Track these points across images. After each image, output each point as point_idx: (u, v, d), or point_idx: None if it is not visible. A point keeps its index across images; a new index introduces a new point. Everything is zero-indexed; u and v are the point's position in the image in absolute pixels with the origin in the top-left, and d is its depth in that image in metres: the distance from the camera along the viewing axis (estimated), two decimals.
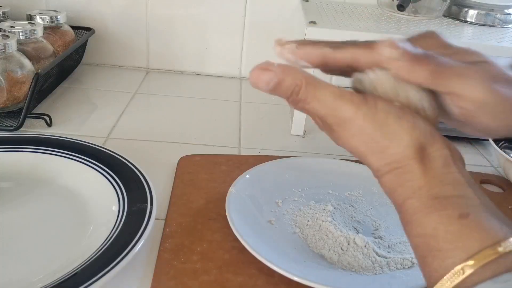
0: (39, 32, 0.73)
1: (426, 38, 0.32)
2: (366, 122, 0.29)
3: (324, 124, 0.31)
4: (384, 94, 0.31)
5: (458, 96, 0.29)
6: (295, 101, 0.31)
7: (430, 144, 0.29)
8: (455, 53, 0.31)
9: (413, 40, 0.31)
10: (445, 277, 0.26)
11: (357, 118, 0.29)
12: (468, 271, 0.25)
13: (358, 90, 0.32)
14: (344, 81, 0.34)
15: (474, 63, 0.30)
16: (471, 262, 0.25)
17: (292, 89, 0.30)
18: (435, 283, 0.27)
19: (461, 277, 0.25)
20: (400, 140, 0.29)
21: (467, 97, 0.29)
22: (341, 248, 0.46)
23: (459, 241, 0.26)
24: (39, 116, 0.66)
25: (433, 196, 0.28)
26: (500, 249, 0.25)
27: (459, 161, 0.29)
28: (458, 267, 0.26)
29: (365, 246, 0.46)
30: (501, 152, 0.60)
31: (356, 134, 0.30)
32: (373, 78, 0.31)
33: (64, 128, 0.67)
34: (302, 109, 0.31)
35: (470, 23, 0.78)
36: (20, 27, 0.71)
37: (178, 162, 0.59)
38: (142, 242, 0.42)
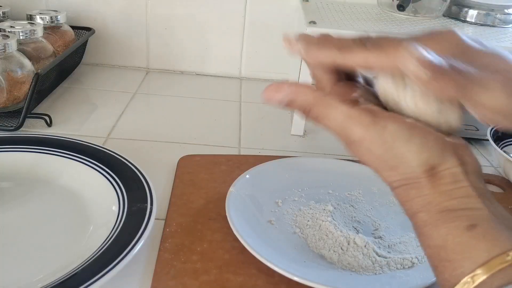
0: (39, 32, 0.73)
1: (444, 39, 0.30)
2: (374, 145, 0.29)
3: (340, 141, 0.32)
4: (396, 105, 0.30)
5: (480, 106, 0.29)
6: (308, 117, 0.32)
7: (439, 164, 0.29)
8: (474, 57, 0.29)
9: (429, 39, 0.30)
10: (456, 287, 0.27)
11: (365, 140, 0.30)
12: (478, 281, 0.26)
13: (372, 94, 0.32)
14: None
15: (494, 69, 0.29)
16: (479, 271, 0.26)
17: (304, 108, 0.31)
18: None
19: (471, 287, 0.26)
20: (408, 162, 0.29)
21: (489, 107, 0.28)
22: (341, 248, 0.46)
23: (467, 252, 0.27)
24: (39, 116, 0.66)
25: (441, 210, 0.28)
26: (509, 258, 0.26)
27: (474, 173, 0.29)
28: (468, 276, 0.26)
29: (365, 246, 0.46)
30: (501, 152, 0.60)
31: (366, 153, 0.30)
32: (386, 90, 0.31)
33: (64, 128, 0.67)
34: (319, 126, 0.32)
35: (470, 23, 0.78)
36: (20, 27, 0.71)
37: (178, 162, 0.59)
38: (142, 242, 0.42)
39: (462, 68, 0.28)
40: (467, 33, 0.31)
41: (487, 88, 0.28)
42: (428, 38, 0.30)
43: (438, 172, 0.29)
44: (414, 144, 0.29)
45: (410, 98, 0.30)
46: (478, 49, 0.30)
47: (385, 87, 0.31)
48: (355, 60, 0.30)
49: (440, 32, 0.30)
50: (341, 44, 0.31)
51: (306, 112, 0.31)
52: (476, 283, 0.26)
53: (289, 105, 0.31)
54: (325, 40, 0.32)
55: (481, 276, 0.26)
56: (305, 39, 0.32)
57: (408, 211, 0.30)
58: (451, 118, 0.30)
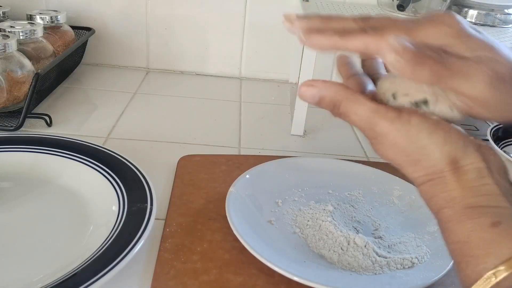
0: (39, 32, 0.73)
1: (442, 22, 0.31)
2: (399, 137, 0.30)
3: (365, 136, 0.33)
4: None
5: (461, 94, 0.30)
6: (337, 114, 0.33)
7: (462, 158, 0.29)
8: (468, 43, 0.30)
9: (428, 21, 0.31)
10: (478, 282, 0.27)
11: (390, 133, 0.31)
12: (500, 277, 0.26)
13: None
14: None
15: (481, 59, 0.29)
16: (502, 268, 0.26)
17: (334, 104, 0.33)
18: (469, 287, 0.28)
19: (493, 282, 0.26)
20: (431, 154, 0.30)
21: (467, 95, 0.29)
22: (341, 248, 0.46)
23: (491, 248, 0.27)
24: (39, 116, 0.66)
25: (466, 206, 0.29)
26: None
27: (499, 171, 0.30)
28: (490, 272, 0.27)
29: (365, 246, 0.46)
30: (501, 152, 0.60)
31: (390, 147, 0.31)
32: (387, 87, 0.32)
33: (64, 128, 0.67)
34: (346, 121, 0.33)
35: (470, 23, 0.77)
36: (20, 27, 0.71)
37: (178, 162, 0.59)
38: (142, 242, 0.42)
39: (445, 58, 0.29)
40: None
41: (468, 77, 0.29)
42: (427, 21, 0.31)
43: (462, 167, 0.29)
44: (437, 137, 0.30)
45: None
46: (473, 35, 0.30)
47: (381, 86, 0.33)
48: (355, 44, 0.31)
49: (440, 15, 0.31)
50: (342, 27, 0.32)
51: (336, 108, 0.33)
52: (499, 279, 0.26)
53: (321, 101, 0.33)
54: (325, 24, 0.33)
55: (503, 272, 0.26)
56: (305, 23, 0.34)
57: (433, 207, 0.31)
58: (424, 93, 0.31)
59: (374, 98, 0.33)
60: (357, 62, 0.38)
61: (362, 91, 0.35)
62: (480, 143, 0.30)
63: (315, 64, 0.65)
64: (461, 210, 0.29)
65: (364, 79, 0.36)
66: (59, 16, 0.80)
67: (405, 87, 0.32)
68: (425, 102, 0.31)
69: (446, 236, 0.30)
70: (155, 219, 0.46)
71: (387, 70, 0.37)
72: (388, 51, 0.29)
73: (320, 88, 0.33)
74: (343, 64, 0.37)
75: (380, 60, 0.38)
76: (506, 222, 0.27)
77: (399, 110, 0.31)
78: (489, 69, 0.29)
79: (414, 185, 0.32)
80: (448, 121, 0.31)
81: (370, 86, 0.35)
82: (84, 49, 0.87)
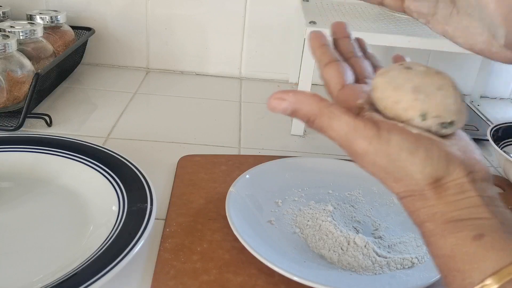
0: (39, 32, 0.73)
1: None
2: (378, 157, 0.29)
3: (343, 151, 0.32)
4: (393, 108, 0.30)
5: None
6: (312, 127, 0.31)
7: (444, 177, 0.29)
8: None
9: None
10: None
11: (369, 153, 0.29)
12: None
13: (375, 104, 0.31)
14: None
15: None
16: (489, 282, 0.26)
17: (308, 118, 0.31)
18: None
19: None
20: (411, 175, 0.29)
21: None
22: (341, 248, 0.46)
23: (476, 262, 0.27)
24: (39, 116, 0.66)
25: (448, 220, 0.28)
26: None
27: (483, 181, 0.29)
28: (477, 287, 0.26)
29: (365, 246, 0.46)
30: (501, 152, 0.60)
31: (370, 165, 0.30)
32: (383, 92, 0.31)
33: (64, 128, 0.67)
34: (322, 135, 0.31)
35: None
36: (20, 27, 0.71)
37: (178, 162, 0.59)
38: (142, 242, 0.42)
39: None
40: None
41: None
42: None
43: (443, 184, 0.29)
44: (418, 157, 0.28)
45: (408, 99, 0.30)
46: None
47: (383, 93, 0.31)
48: None
49: None
50: None
51: (310, 122, 0.31)
52: None
53: (293, 114, 0.31)
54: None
55: (491, 286, 0.26)
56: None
57: (415, 220, 0.30)
58: (452, 115, 0.30)
59: (362, 105, 0.31)
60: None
61: (343, 82, 0.33)
62: (464, 151, 0.29)
63: (315, 64, 0.65)
64: (443, 225, 0.28)
65: (343, 67, 0.34)
66: (59, 16, 0.80)
67: (436, 107, 0.29)
68: (451, 123, 0.30)
69: (431, 249, 0.29)
70: (155, 219, 0.46)
71: (375, 65, 0.36)
72: None
73: (291, 102, 0.30)
74: (319, 45, 0.35)
75: (353, 38, 0.36)
76: (489, 234, 0.27)
77: (377, 126, 0.29)
78: None
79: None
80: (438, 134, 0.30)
81: (349, 75, 0.33)
82: (84, 49, 0.87)
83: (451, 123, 0.30)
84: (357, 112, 0.31)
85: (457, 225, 0.28)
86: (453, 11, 0.31)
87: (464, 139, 0.31)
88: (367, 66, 0.36)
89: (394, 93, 0.30)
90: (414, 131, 0.29)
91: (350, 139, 0.30)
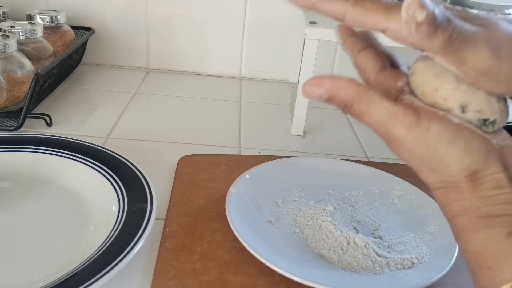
0: (39, 32, 0.73)
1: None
2: (415, 146, 0.28)
3: (379, 137, 0.30)
4: (433, 99, 0.29)
5: (463, 62, 0.27)
6: (349, 113, 0.30)
7: (482, 170, 0.28)
8: (470, 18, 0.28)
9: None
10: None
11: (406, 141, 0.28)
12: None
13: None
14: None
15: (480, 26, 0.28)
16: None
17: (345, 103, 0.29)
18: None
19: None
20: (449, 166, 0.28)
21: (470, 64, 0.27)
22: (341, 248, 0.46)
23: (507, 260, 0.26)
24: (39, 116, 0.66)
25: (481, 215, 0.27)
26: None
27: None
28: (507, 285, 0.26)
29: (365, 246, 0.46)
30: None
31: (406, 153, 0.29)
32: (424, 80, 0.29)
33: (64, 128, 0.67)
34: (359, 121, 0.30)
35: None
36: (20, 27, 0.71)
37: (178, 162, 0.59)
38: (142, 242, 0.42)
39: (457, 22, 0.27)
40: None
41: (474, 44, 0.27)
42: None
43: (480, 178, 0.28)
44: (458, 148, 0.28)
45: (451, 91, 0.28)
46: (474, 13, 0.29)
47: (423, 79, 0.29)
48: (365, 19, 0.28)
49: None
50: None
51: (348, 108, 0.29)
52: None
53: (329, 100, 0.30)
54: None
55: None
56: None
57: (447, 213, 0.29)
58: (495, 113, 0.29)
59: (401, 90, 0.30)
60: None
61: (381, 65, 0.31)
62: (503, 146, 0.29)
63: (315, 64, 0.65)
64: (476, 220, 0.27)
65: (377, 52, 0.32)
66: (59, 16, 0.80)
67: (478, 101, 0.28)
68: (493, 122, 0.28)
69: (461, 244, 0.29)
70: (155, 219, 0.46)
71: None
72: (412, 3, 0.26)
73: (328, 88, 0.29)
74: (348, 34, 0.33)
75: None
76: None
77: (418, 113, 0.28)
78: (491, 36, 0.27)
79: (430, 188, 0.30)
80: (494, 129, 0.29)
81: (385, 60, 0.32)
82: (84, 49, 0.87)
83: (493, 122, 0.29)
84: (396, 96, 0.30)
85: (491, 221, 0.27)
86: None
87: (503, 133, 0.30)
88: (395, 56, 0.34)
89: (435, 79, 0.29)
90: (455, 120, 0.28)
91: (388, 126, 0.28)
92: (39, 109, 0.71)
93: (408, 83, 0.31)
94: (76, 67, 0.87)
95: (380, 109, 0.28)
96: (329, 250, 0.46)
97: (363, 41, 0.33)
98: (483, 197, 0.28)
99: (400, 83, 0.31)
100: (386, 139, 0.30)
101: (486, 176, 0.28)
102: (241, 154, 0.65)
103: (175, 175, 0.57)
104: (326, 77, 0.29)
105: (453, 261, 0.44)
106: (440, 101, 0.29)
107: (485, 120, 0.28)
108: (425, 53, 0.29)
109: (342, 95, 0.29)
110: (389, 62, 0.33)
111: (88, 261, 0.40)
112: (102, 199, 0.49)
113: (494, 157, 0.28)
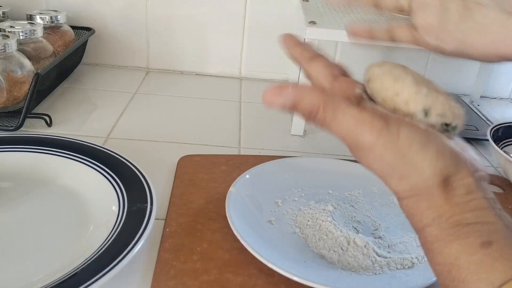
0: (39, 32, 0.73)
1: None
2: (387, 151, 0.27)
3: (346, 146, 0.30)
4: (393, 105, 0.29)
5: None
6: (314, 122, 0.29)
7: (453, 174, 0.27)
8: None
9: None
10: None
11: (377, 147, 0.27)
12: None
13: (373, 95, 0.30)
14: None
15: None
16: None
17: (309, 112, 0.28)
18: None
19: None
20: (421, 171, 0.27)
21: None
22: (341, 248, 0.46)
23: (482, 272, 0.25)
24: (39, 116, 0.66)
25: (454, 224, 0.26)
26: None
27: (484, 181, 0.28)
28: None
29: (365, 246, 0.46)
30: (501, 152, 0.60)
31: (375, 161, 0.28)
32: (383, 87, 0.29)
33: (64, 128, 0.67)
34: (324, 130, 0.29)
35: None
36: (20, 27, 0.71)
37: (178, 162, 0.59)
38: (142, 242, 0.42)
39: None
40: None
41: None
42: None
43: (452, 183, 0.27)
44: (431, 151, 0.27)
45: (409, 97, 0.28)
46: None
47: (382, 84, 0.29)
48: None
49: None
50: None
51: (313, 117, 0.28)
52: None
53: (293, 109, 0.28)
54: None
55: None
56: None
57: (416, 224, 0.28)
58: (456, 118, 0.29)
59: (360, 96, 0.29)
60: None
61: (334, 73, 0.30)
62: (465, 155, 0.28)
63: None
64: (448, 229, 0.26)
65: (328, 60, 0.31)
66: (59, 16, 0.80)
67: (439, 105, 0.28)
68: (455, 127, 0.28)
69: (431, 257, 0.27)
70: (155, 219, 0.46)
71: None
72: None
73: (291, 96, 0.28)
74: (295, 44, 0.33)
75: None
76: (497, 242, 0.25)
77: (385, 118, 0.27)
78: None
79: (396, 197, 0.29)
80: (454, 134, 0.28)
81: (337, 68, 0.31)
82: (84, 49, 0.87)
83: (454, 128, 0.28)
84: (356, 103, 0.29)
85: (463, 230, 0.26)
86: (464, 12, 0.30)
87: (459, 140, 0.30)
88: (344, 65, 0.34)
89: (394, 84, 0.28)
90: (422, 126, 0.28)
91: (356, 133, 0.27)
92: (39, 109, 0.71)
93: (365, 90, 0.30)
94: (76, 67, 0.87)
95: (347, 116, 0.27)
96: (329, 250, 0.46)
97: (310, 51, 0.33)
98: (455, 204, 0.27)
99: (358, 90, 0.30)
100: (354, 148, 0.29)
101: (457, 181, 0.27)
102: (241, 154, 0.65)
103: (175, 175, 0.57)
104: (289, 85, 0.28)
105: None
106: (402, 106, 0.28)
107: (447, 125, 0.28)
108: (380, 61, 0.29)
109: (307, 103, 0.28)
110: (339, 71, 0.32)
111: (88, 261, 0.40)
112: (102, 199, 0.49)
113: (463, 162, 0.27)
